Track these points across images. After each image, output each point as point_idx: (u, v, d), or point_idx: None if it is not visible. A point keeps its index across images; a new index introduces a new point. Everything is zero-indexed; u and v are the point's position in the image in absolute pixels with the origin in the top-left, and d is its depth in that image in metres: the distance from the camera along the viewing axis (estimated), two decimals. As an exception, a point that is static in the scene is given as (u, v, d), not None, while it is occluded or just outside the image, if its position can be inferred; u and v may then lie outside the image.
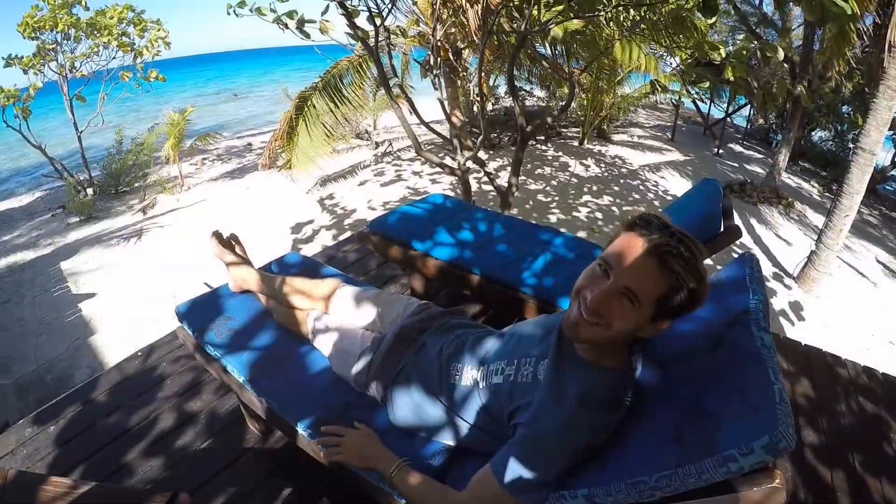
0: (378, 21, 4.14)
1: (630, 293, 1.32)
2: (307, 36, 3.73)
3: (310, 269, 2.95)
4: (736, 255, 1.91)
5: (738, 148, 15.86)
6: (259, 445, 2.61)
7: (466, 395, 1.75)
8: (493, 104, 14.88)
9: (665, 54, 10.84)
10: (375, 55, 4.28)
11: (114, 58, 11.48)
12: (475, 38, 6.34)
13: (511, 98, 13.19)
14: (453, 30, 7.52)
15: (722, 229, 2.84)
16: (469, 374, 1.77)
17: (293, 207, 9.19)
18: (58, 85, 11.18)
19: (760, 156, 15.24)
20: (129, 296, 6.83)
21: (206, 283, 6.28)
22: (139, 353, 3.38)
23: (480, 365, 1.76)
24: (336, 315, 2.33)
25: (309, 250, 7.34)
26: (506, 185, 5.39)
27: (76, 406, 2.98)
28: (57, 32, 10.61)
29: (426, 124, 5.14)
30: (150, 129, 12.48)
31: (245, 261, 2.75)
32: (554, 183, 10.23)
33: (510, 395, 1.58)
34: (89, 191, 11.34)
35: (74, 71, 11.14)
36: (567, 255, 3.08)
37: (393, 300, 2.27)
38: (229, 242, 2.80)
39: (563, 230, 3.58)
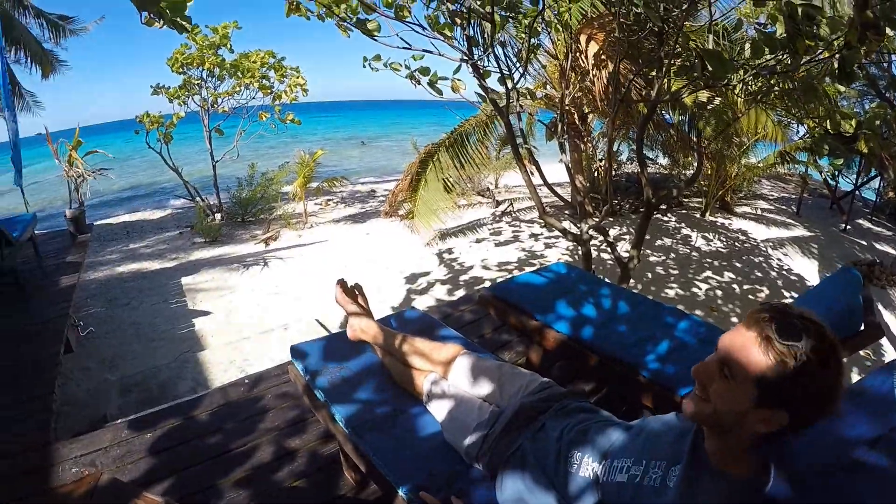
0: (509, 83, 4.14)
1: (726, 365, 1.23)
2: (439, 93, 3.75)
3: (428, 326, 2.91)
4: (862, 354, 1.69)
5: (866, 224, 14.69)
6: (352, 495, 2.54)
7: (583, 487, 1.63)
8: (614, 170, 14.60)
9: (793, 122, 10.30)
10: (505, 116, 4.28)
11: (253, 98, 12.33)
12: (603, 104, 6.24)
13: (632, 164, 12.94)
14: (579, 94, 7.47)
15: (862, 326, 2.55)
16: (589, 465, 1.66)
17: (411, 257, 9.21)
18: (199, 116, 12.13)
19: (890, 233, 14.10)
20: (242, 320, 7.03)
21: (318, 321, 6.43)
22: (246, 381, 3.42)
23: (603, 458, 1.64)
24: (455, 381, 2.27)
25: (423, 302, 7.32)
26: (626, 255, 5.20)
27: (175, 419, 3.05)
28: (203, 70, 11.54)
29: (550, 187, 5.07)
30: (280, 166, 13.17)
31: (366, 312, 2.75)
32: (673, 255, 9.83)
33: (633, 497, 1.46)
34: (217, 216, 12.08)
35: (216, 106, 12.04)
36: (692, 341, 2.88)
37: (515, 374, 2.18)
38: (353, 291, 2.81)
39: (681, 307, 3.38)
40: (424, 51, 3.63)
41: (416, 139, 16.10)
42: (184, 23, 2.08)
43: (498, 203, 12.82)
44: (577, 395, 2.05)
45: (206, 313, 7.25)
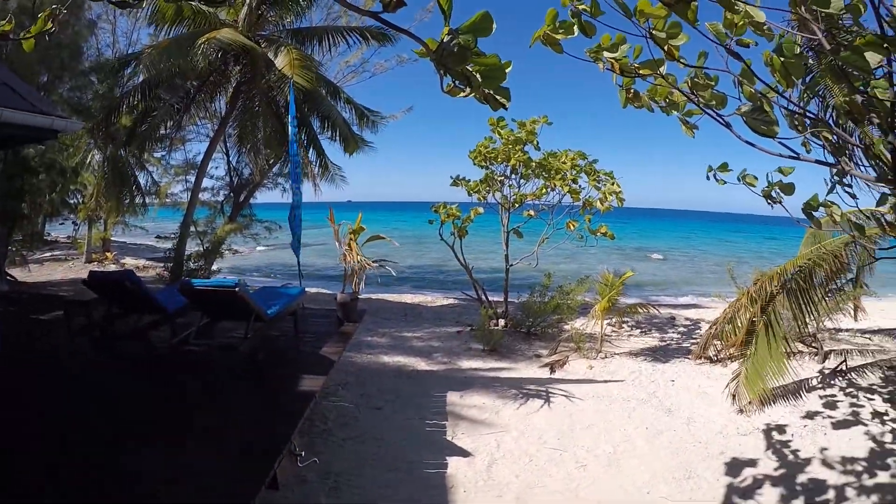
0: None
1: None
2: (816, 224, 2.77)
3: None
4: None
5: None
6: None
7: None
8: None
9: None
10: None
11: (559, 202, 11.31)
12: None
13: None
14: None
15: None
16: None
17: (730, 429, 7.01)
18: (498, 213, 11.41)
19: None
20: (507, 478, 5.41)
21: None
22: None
23: None
24: None
25: None
26: None
27: None
28: (507, 166, 10.88)
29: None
30: (579, 280, 11.49)
31: None
32: None
33: None
34: (501, 322, 11.01)
35: (518, 207, 11.20)
36: None
37: None
38: None
39: None
40: (796, 157, 2.56)
41: (731, 263, 14.77)
42: (500, 97, 1.66)
43: (826, 356, 9.70)
44: None
45: (465, 453, 5.83)
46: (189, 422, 3.95)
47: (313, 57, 12.87)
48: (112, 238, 21.00)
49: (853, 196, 2.91)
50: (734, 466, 6.07)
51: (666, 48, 2.13)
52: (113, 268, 17.50)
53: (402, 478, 5.17)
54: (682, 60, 2.20)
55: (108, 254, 19.29)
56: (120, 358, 5.39)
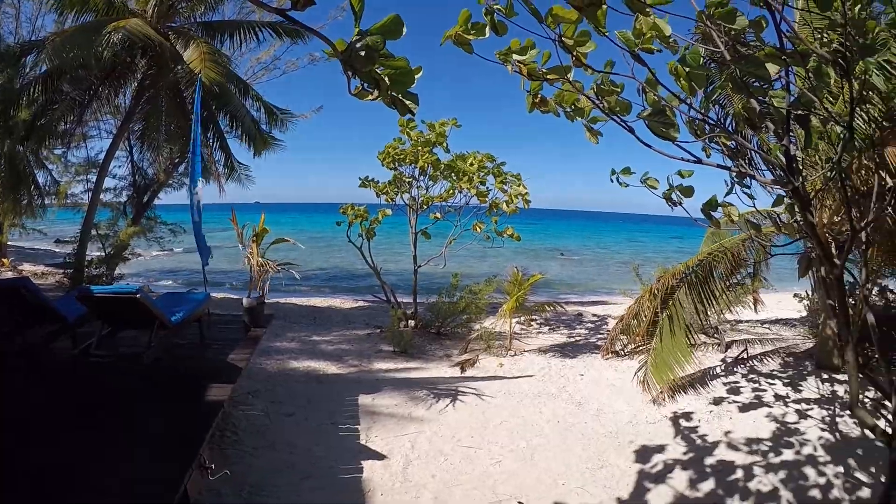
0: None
1: None
2: (714, 223, 2.93)
3: None
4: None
5: None
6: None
7: None
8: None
9: None
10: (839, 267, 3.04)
11: (467, 204, 11.41)
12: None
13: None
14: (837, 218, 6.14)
15: None
16: None
17: (639, 419, 7.27)
18: (406, 215, 11.40)
19: None
20: (422, 478, 5.40)
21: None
22: None
23: None
24: None
25: (659, 496, 5.40)
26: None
27: None
28: (416, 168, 10.85)
29: None
30: (487, 280, 11.64)
31: None
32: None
33: None
34: (411, 322, 10.97)
35: (426, 208, 11.24)
36: None
37: None
38: None
39: None
40: (697, 161, 2.69)
41: (638, 263, 15.18)
42: (408, 101, 1.67)
43: (727, 346, 10.32)
44: None
45: (379, 456, 5.78)
46: (89, 437, 3.69)
47: (224, 52, 12.53)
48: (8, 243, 19.61)
49: (751, 197, 3.07)
50: (645, 454, 6.30)
51: (574, 54, 2.17)
52: (9, 275, 16.33)
53: (317, 485, 5.07)
54: (589, 67, 2.26)
55: (3, 260, 17.98)
56: (14, 371, 4.98)
